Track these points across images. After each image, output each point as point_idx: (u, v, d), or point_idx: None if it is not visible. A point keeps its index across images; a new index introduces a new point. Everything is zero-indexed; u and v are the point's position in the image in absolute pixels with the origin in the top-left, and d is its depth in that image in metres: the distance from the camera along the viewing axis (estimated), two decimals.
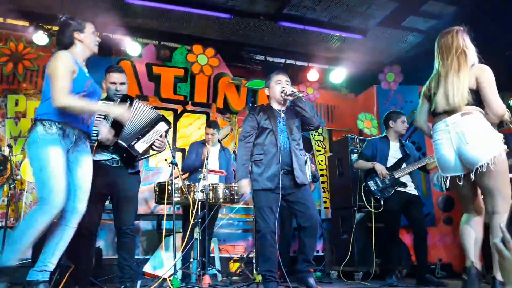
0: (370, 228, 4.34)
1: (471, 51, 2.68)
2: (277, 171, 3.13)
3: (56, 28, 5.59)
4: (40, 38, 5.47)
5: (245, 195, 3.56)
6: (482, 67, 2.59)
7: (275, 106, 3.36)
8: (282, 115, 3.31)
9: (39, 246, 3.97)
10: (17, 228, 2.33)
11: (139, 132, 3.01)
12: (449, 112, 2.58)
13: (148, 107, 3.09)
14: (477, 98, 2.55)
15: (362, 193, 4.30)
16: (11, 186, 4.58)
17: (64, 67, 2.44)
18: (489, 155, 2.41)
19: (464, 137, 2.49)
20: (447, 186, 2.66)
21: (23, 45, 5.64)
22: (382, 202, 4.10)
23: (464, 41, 2.69)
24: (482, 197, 2.64)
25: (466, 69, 2.58)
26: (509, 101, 5.48)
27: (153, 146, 3.19)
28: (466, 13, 5.35)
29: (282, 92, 3.26)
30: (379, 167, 4.13)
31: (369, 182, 4.22)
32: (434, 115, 2.71)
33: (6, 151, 4.95)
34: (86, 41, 2.62)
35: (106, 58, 5.90)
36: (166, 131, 3.19)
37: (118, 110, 2.67)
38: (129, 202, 3.19)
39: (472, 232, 2.60)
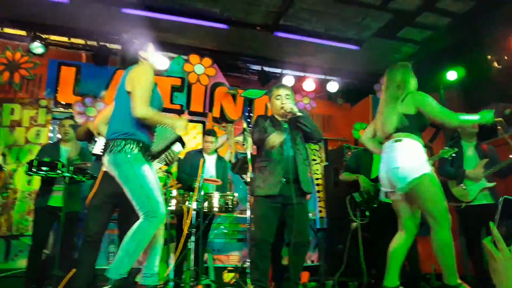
0: (365, 238, 4.32)
1: (410, 84, 2.90)
2: (280, 178, 3.15)
3: (53, 37, 5.69)
4: (37, 47, 5.49)
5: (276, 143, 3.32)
6: (417, 95, 2.81)
7: (278, 117, 3.39)
8: (285, 125, 3.34)
9: (34, 256, 4.00)
10: (128, 243, 2.43)
11: (158, 153, 2.99)
12: (388, 137, 2.88)
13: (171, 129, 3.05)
14: (417, 121, 2.79)
15: (348, 205, 4.26)
16: (4, 195, 4.55)
17: (146, 79, 2.51)
18: (409, 178, 2.67)
19: (391, 161, 2.79)
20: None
21: (20, 54, 5.65)
22: (367, 214, 4.09)
23: (405, 75, 2.92)
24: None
25: (399, 100, 2.83)
26: (505, 111, 5.50)
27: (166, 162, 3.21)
28: (460, 25, 5.42)
29: (282, 109, 3.27)
30: (362, 180, 4.14)
31: (354, 194, 4.21)
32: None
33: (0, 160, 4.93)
34: (150, 59, 2.73)
35: (102, 67, 5.93)
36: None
37: (181, 123, 2.70)
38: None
39: (395, 249, 2.84)
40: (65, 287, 3.14)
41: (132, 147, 2.48)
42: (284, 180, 3.15)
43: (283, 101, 3.30)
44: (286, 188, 3.14)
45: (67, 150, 4.26)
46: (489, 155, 4.02)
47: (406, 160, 2.72)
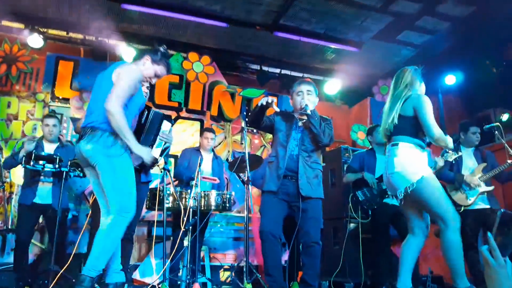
0: (362, 239, 4.33)
1: (417, 87, 2.91)
2: (282, 174, 3.13)
3: (52, 31, 5.65)
4: (35, 40, 5.45)
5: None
6: (417, 97, 2.80)
7: (296, 114, 3.34)
8: (300, 123, 3.27)
9: (19, 252, 3.96)
10: (103, 240, 2.44)
11: (151, 141, 3.02)
12: (388, 138, 2.91)
13: (152, 111, 3.08)
14: (415, 123, 2.78)
15: (350, 204, 4.28)
16: (0, 189, 4.51)
17: (131, 79, 2.54)
18: (405, 183, 2.69)
19: (388, 166, 2.82)
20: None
21: (18, 47, 5.61)
22: (370, 213, 4.11)
23: (415, 77, 2.92)
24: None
25: (400, 102, 2.83)
26: (501, 117, 5.54)
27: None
28: (459, 29, 5.44)
29: (300, 104, 3.25)
30: (369, 176, 4.15)
31: (357, 193, 4.22)
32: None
33: None
34: (151, 72, 2.79)
35: (101, 63, 5.89)
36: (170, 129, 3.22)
37: (147, 156, 2.61)
38: (136, 210, 3.22)
39: (406, 251, 2.86)
40: (60, 282, 3.12)
41: (124, 143, 2.49)
42: (287, 176, 3.13)
43: (304, 97, 3.26)
44: (290, 185, 3.13)
45: (51, 148, 4.18)
46: (487, 160, 4.05)
47: (402, 165, 2.73)
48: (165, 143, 3.18)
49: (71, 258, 3.23)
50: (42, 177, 4.04)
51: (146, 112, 3.00)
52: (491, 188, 3.96)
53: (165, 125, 3.13)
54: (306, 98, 3.25)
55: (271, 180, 3.19)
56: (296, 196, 3.13)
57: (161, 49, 2.79)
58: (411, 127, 2.80)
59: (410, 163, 2.73)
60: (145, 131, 2.96)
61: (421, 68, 3.02)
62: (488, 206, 3.95)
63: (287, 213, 3.22)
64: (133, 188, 2.53)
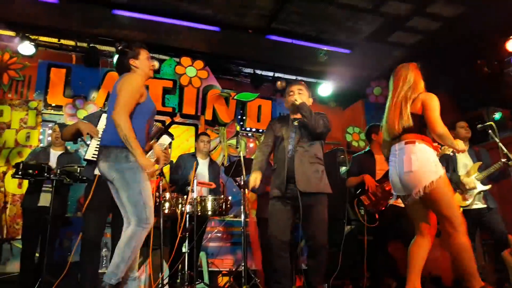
0: (360, 240, 4.32)
1: (421, 86, 2.88)
2: (284, 178, 3.14)
3: (43, 38, 5.62)
4: (26, 48, 5.41)
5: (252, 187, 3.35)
6: (427, 95, 2.79)
7: (292, 115, 3.39)
8: (295, 122, 3.31)
9: (25, 261, 3.94)
10: (124, 250, 2.54)
11: (146, 152, 2.98)
12: (397, 137, 2.82)
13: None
14: (424, 121, 2.76)
15: (356, 208, 4.22)
16: None
17: (132, 86, 2.63)
18: (425, 181, 2.62)
19: (403, 164, 2.73)
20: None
21: (9, 55, 5.55)
22: (377, 216, 4.06)
23: (417, 77, 2.90)
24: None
25: (410, 100, 2.80)
26: (493, 116, 5.59)
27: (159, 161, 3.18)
28: (450, 29, 5.49)
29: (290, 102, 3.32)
30: (368, 179, 4.14)
31: (361, 197, 4.17)
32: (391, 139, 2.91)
33: None
34: (141, 66, 2.79)
35: (93, 69, 5.87)
36: (170, 143, 3.21)
37: (150, 167, 2.64)
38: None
39: (415, 253, 2.82)
40: None
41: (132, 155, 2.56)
42: (288, 179, 3.13)
43: (295, 96, 3.31)
44: (291, 187, 3.13)
45: (57, 154, 4.27)
46: (482, 157, 4.07)
47: (422, 163, 2.67)
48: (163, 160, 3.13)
49: (67, 266, 3.24)
50: (44, 184, 4.08)
51: None
52: (487, 187, 3.98)
53: (164, 139, 3.13)
54: (297, 96, 3.30)
55: (274, 186, 3.22)
56: (297, 197, 3.10)
57: (119, 47, 2.84)
58: (422, 125, 2.77)
59: (430, 161, 2.68)
60: None
61: (419, 64, 3.02)
62: (485, 206, 3.96)
63: (292, 216, 3.20)
64: (148, 199, 2.60)
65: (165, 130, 3.16)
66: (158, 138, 3.10)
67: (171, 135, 3.22)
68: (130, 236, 2.56)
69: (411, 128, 2.76)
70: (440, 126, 2.68)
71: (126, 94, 2.58)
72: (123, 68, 2.78)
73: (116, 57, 2.90)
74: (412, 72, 2.91)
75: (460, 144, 2.80)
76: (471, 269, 2.61)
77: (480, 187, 3.96)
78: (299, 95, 3.32)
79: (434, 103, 2.74)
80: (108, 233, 3.62)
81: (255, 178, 3.22)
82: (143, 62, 2.81)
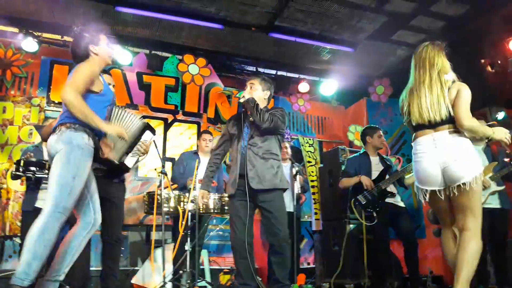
0: (361, 240, 4.32)
1: (450, 71, 2.70)
2: (236, 176, 3.12)
3: (46, 35, 5.61)
4: (30, 44, 5.40)
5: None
6: (462, 85, 2.60)
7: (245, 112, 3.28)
8: (251, 119, 3.20)
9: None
10: (35, 245, 2.23)
11: (128, 147, 2.89)
12: (433, 126, 2.58)
13: (134, 116, 2.96)
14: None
15: (354, 208, 4.23)
16: None
17: (85, 68, 2.44)
18: (472, 174, 2.46)
19: (452, 154, 2.51)
20: (427, 199, 2.68)
21: (12, 51, 5.55)
22: (375, 215, 4.07)
23: (445, 61, 2.70)
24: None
25: (446, 87, 2.59)
26: (497, 115, 5.57)
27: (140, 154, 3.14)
28: (454, 28, 5.46)
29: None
30: (365, 179, 4.14)
31: (358, 197, 4.19)
32: (416, 127, 2.68)
33: None
34: (101, 53, 2.60)
35: None
36: (153, 140, 3.15)
37: (113, 129, 2.56)
38: (114, 212, 3.26)
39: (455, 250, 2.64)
40: None
41: (90, 137, 2.42)
42: (240, 176, 3.09)
43: (245, 91, 3.27)
44: (245, 185, 3.06)
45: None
46: (499, 158, 4.02)
47: (471, 154, 2.52)
48: (142, 153, 3.06)
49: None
50: (43, 181, 4.01)
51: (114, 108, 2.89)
52: (502, 187, 3.94)
53: (147, 135, 3.03)
54: (247, 91, 3.25)
55: (229, 184, 3.22)
56: (253, 194, 3.07)
57: (77, 31, 2.64)
58: (453, 116, 2.57)
59: (475, 154, 2.55)
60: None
61: (445, 45, 2.78)
62: (499, 206, 3.93)
63: (252, 213, 3.18)
64: (79, 191, 2.37)
65: (148, 125, 3.09)
66: (140, 135, 3.01)
67: (153, 130, 3.10)
68: (42, 228, 2.24)
69: (451, 118, 2.56)
70: (470, 119, 2.50)
71: (78, 75, 2.39)
72: (80, 54, 2.55)
73: (73, 41, 2.64)
74: (440, 56, 2.70)
75: (499, 132, 2.59)
76: (471, 273, 2.51)
77: (494, 187, 3.92)
78: (250, 90, 3.26)
79: (468, 94, 2.56)
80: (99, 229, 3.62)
81: (201, 197, 3.33)
82: (103, 48, 2.61)
